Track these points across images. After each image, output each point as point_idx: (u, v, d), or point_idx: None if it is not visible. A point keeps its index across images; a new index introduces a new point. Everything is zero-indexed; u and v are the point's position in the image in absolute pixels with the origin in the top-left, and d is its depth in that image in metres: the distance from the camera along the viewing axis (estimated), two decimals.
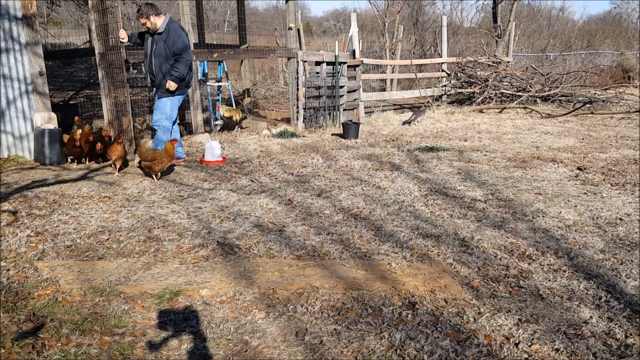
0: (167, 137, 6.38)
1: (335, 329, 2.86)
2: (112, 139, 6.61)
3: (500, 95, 12.72)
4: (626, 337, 2.76)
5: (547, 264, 3.66)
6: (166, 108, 6.42)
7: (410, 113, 10.77)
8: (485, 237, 4.18)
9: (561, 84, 13.16)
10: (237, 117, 9.22)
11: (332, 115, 9.94)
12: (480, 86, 12.94)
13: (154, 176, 5.92)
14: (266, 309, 3.08)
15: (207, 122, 9.41)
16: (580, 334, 2.79)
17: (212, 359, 2.63)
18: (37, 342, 2.71)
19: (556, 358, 2.60)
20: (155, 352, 2.68)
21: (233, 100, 9.85)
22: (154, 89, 6.50)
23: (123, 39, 6.58)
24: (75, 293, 3.27)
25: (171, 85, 6.27)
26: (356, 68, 10.78)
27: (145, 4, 6.30)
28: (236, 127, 9.25)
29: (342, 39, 14.82)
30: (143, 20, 6.26)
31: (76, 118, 7.07)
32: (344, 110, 10.40)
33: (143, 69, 6.76)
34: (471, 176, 6.08)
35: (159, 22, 6.26)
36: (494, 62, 13.61)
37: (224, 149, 7.49)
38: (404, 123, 10.20)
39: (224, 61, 9.84)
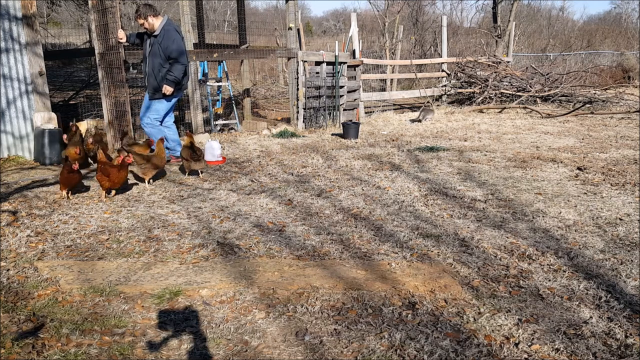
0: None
1: (335, 329, 2.86)
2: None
3: (500, 95, 12.73)
4: (626, 337, 2.76)
5: (547, 264, 3.66)
6: (155, 110, 6.45)
7: (417, 113, 10.91)
8: (485, 237, 4.17)
9: (561, 84, 13.16)
10: (219, 111, 9.35)
11: (332, 115, 9.94)
12: (480, 86, 12.95)
13: (201, 174, 6.16)
14: (266, 309, 3.08)
15: (207, 122, 9.41)
16: (580, 334, 2.79)
17: (212, 359, 2.63)
18: (37, 342, 2.71)
19: (556, 358, 2.60)
20: (155, 352, 2.68)
21: (233, 100, 9.86)
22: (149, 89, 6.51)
23: (121, 39, 6.59)
24: (75, 293, 3.27)
25: (167, 89, 6.27)
26: (356, 68, 10.78)
27: (143, 5, 6.30)
28: (229, 123, 9.35)
29: (342, 39, 14.82)
30: (141, 21, 6.26)
31: (71, 125, 6.64)
32: (344, 110, 10.41)
33: (142, 70, 6.76)
34: (471, 176, 6.08)
35: (156, 23, 6.26)
36: (494, 62, 13.62)
37: (224, 149, 7.49)
38: (412, 121, 10.37)
39: (224, 61, 9.84)
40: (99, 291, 3.29)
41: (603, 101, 12.59)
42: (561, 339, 2.74)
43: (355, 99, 10.89)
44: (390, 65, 15.62)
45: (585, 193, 5.36)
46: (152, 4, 6.50)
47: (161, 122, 6.60)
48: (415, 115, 11.09)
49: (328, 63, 9.77)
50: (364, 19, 24.62)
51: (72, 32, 18.17)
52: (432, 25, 21.75)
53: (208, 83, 9.60)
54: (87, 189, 5.58)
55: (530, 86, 12.97)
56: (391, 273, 3.54)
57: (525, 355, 2.62)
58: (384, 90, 15.85)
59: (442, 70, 13.72)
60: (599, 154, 7.22)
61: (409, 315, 3.00)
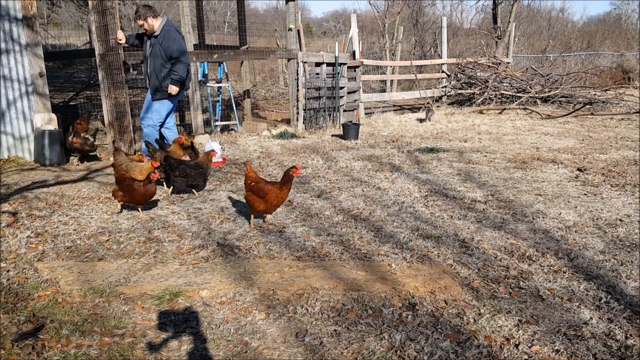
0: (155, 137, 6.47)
1: (335, 330, 2.86)
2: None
3: (500, 96, 12.73)
4: (626, 338, 2.76)
5: (547, 265, 3.66)
6: (157, 110, 6.42)
7: (422, 113, 11.07)
8: (486, 238, 4.17)
9: (561, 85, 13.17)
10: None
11: (332, 116, 9.94)
12: (480, 87, 12.95)
13: None
14: (266, 310, 3.08)
15: (207, 123, 9.42)
16: (581, 335, 2.79)
17: None
18: (37, 343, 2.71)
19: (556, 359, 2.60)
20: (155, 353, 2.68)
21: (233, 102, 9.86)
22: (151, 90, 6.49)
23: (120, 40, 6.59)
24: (75, 294, 3.27)
25: (173, 89, 6.26)
26: (356, 69, 10.78)
27: (143, 6, 6.30)
28: (230, 124, 9.35)
29: (342, 40, 14.82)
30: (140, 22, 6.26)
31: (115, 145, 6.49)
32: (344, 111, 10.41)
33: (143, 70, 6.76)
34: (471, 177, 6.08)
35: (156, 24, 6.26)
36: (494, 63, 13.62)
37: (224, 150, 7.49)
38: (420, 120, 10.66)
39: (224, 62, 9.84)
40: (99, 292, 3.29)
41: (603, 102, 12.59)
42: (561, 340, 2.74)
43: (355, 100, 10.89)
44: (390, 66, 15.62)
45: (585, 194, 5.36)
46: (151, 5, 6.49)
47: (162, 123, 6.60)
48: (418, 115, 11.21)
49: (328, 64, 9.77)
50: (364, 20, 24.64)
51: (72, 33, 18.20)
52: (432, 26, 21.77)
53: (208, 84, 9.61)
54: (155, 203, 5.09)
55: (530, 87, 12.97)
56: (391, 274, 3.54)
57: (526, 356, 2.62)
58: (384, 91, 15.85)
59: (442, 71, 13.72)
60: (599, 155, 7.22)
61: (409, 316, 3.00)
